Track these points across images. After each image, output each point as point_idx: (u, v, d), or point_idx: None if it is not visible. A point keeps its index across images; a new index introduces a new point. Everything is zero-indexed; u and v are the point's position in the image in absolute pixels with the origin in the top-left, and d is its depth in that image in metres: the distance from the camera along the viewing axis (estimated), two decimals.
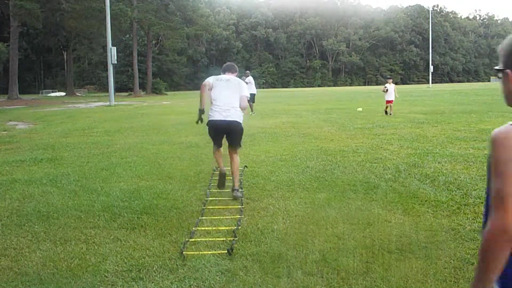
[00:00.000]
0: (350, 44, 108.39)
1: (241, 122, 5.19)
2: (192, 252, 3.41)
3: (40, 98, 47.15)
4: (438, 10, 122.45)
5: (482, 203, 4.55)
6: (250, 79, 16.53)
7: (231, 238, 3.68)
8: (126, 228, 4.03)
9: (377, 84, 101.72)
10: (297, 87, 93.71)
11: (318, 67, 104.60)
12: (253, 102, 16.81)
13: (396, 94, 15.44)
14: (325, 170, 6.28)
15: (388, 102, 15.14)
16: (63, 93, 58.55)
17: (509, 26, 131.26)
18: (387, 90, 15.16)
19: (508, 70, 1.21)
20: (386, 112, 15.18)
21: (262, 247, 3.50)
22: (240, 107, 5.17)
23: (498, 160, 1.15)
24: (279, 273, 3.05)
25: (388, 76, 17.28)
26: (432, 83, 71.93)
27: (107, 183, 5.81)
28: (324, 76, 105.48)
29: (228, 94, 5.12)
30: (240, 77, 6.06)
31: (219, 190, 5.34)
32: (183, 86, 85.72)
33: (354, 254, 3.31)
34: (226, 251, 3.38)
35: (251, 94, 16.56)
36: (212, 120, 5.10)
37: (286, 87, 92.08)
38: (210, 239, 3.72)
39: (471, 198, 4.73)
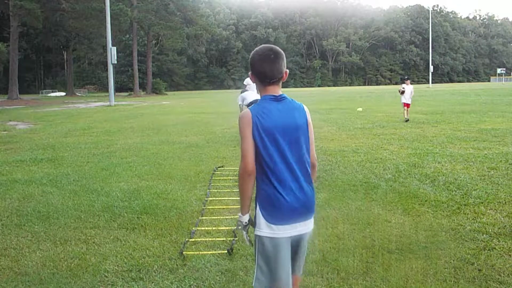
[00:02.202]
0: (350, 44, 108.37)
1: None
2: (192, 252, 3.41)
3: (40, 98, 47.14)
4: (438, 10, 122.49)
5: (482, 203, 4.55)
6: (247, 80, 16.04)
7: (231, 238, 3.68)
8: (126, 228, 4.03)
9: (377, 84, 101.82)
10: (297, 87, 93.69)
11: (318, 67, 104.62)
12: None
13: (407, 96, 13.58)
14: (325, 170, 6.28)
15: (405, 105, 13.52)
16: (63, 93, 58.55)
17: (509, 26, 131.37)
18: (403, 91, 13.67)
19: (249, 73, 1.98)
20: (407, 120, 13.16)
21: None
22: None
23: (240, 128, 1.92)
24: None
25: (406, 77, 14.82)
26: (432, 83, 71.96)
27: (107, 183, 5.81)
28: (324, 76, 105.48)
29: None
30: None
31: (219, 190, 5.35)
32: (183, 86, 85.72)
33: (354, 254, 3.31)
34: (226, 251, 3.39)
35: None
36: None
37: (286, 87, 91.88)
38: (210, 239, 3.72)
39: (471, 198, 4.73)
